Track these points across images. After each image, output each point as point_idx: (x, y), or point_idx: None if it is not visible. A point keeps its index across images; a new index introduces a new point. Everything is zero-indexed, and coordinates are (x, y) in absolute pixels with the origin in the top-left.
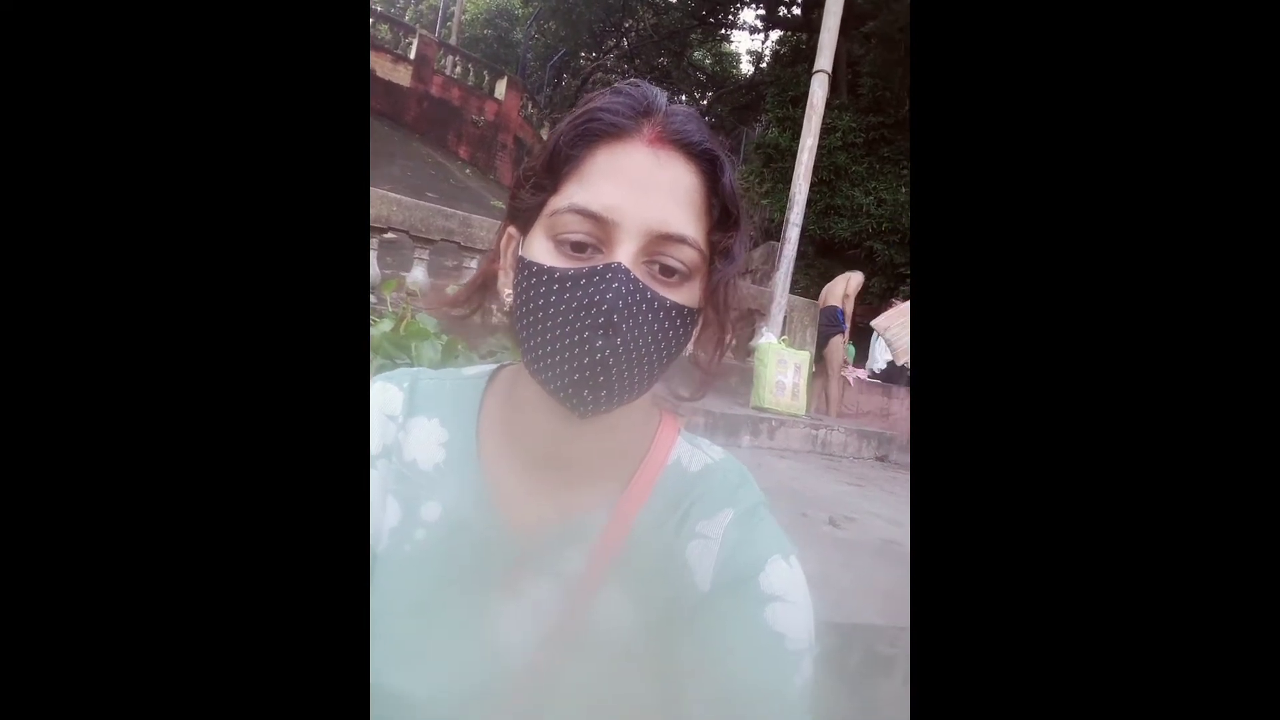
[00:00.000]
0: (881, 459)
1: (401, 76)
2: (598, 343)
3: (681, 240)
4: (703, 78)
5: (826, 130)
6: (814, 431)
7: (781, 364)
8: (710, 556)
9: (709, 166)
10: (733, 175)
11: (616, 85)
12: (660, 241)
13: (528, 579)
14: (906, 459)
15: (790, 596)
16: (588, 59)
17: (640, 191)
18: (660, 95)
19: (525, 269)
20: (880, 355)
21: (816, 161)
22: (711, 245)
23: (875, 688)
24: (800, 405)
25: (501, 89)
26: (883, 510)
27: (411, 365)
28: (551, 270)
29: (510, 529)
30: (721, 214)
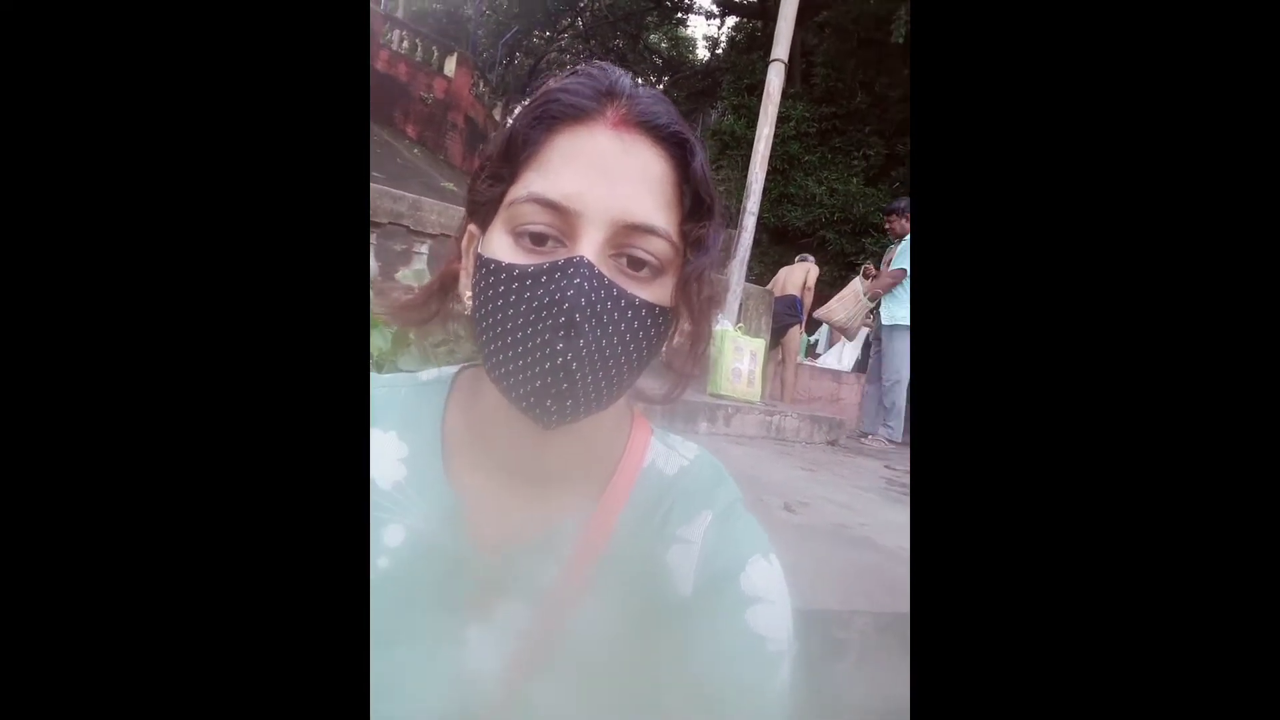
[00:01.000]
0: (832, 443)
1: None
2: (558, 345)
3: (651, 231)
4: (659, 61)
5: (780, 119)
6: (768, 418)
7: (738, 351)
8: (691, 560)
9: (678, 151)
10: (704, 160)
11: (578, 67)
12: (627, 232)
13: (500, 599)
14: (855, 444)
15: (770, 597)
16: (541, 38)
17: (604, 178)
18: (624, 76)
19: (483, 267)
20: (842, 350)
21: (771, 150)
22: (683, 236)
23: (830, 671)
24: (756, 392)
25: (451, 66)
26: (834, 495)
27: None
28: (510, 267)
29: (483, 547)
30: (694, 202)
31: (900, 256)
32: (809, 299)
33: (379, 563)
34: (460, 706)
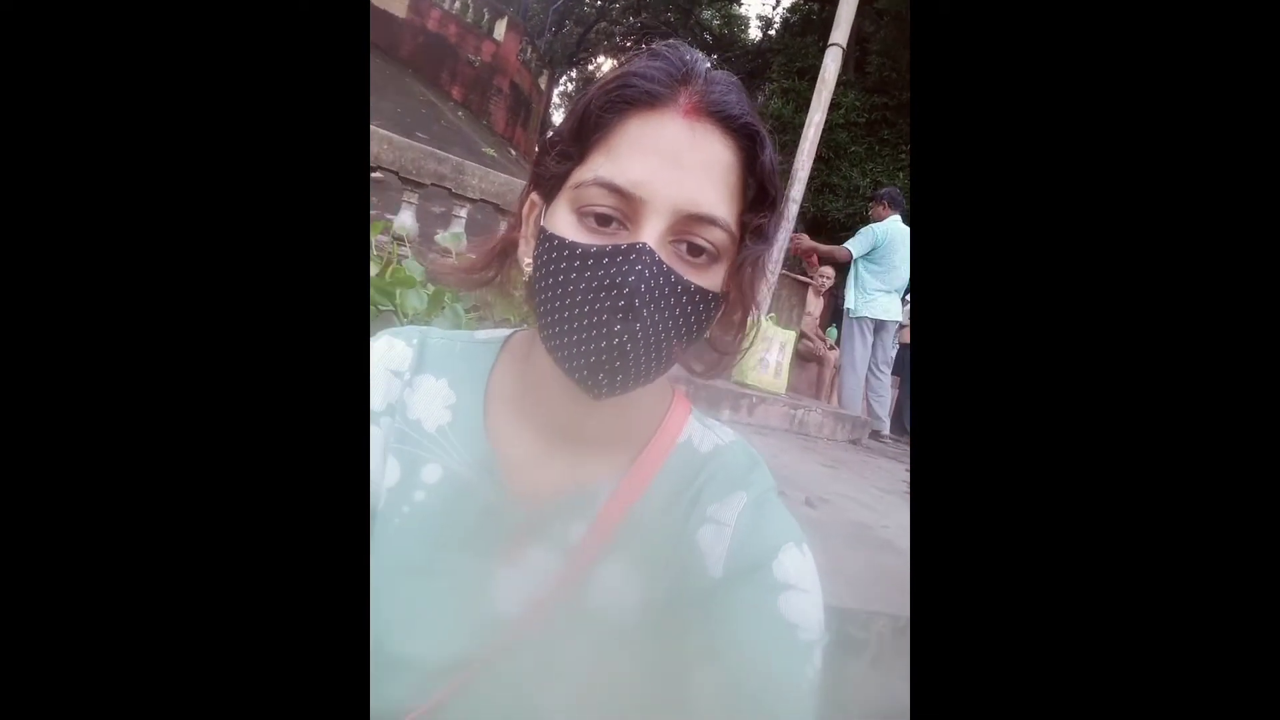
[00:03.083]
0: (854, 442)
1: (397, 7)
2: (616, 326)
3: (711, 221)
4: (709, 39)
5: (830, 107)
6: (793, 411)
7: (767, 341)
8: (723, 542)
9: (747, 142)
10: (773, 152)
11: (654, 47)
12: (689, 221)
13: (527, 548)
14: (878, 444)
15: (803, 585)
16: (592, 7)
17: (671, 167)
18: (700, 60)
19: (546, 241)
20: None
21: (818, 137)
22: (743, 226)
23: (843, 669)
24: (781, 384)
25: (501, 30)
26: (856, 494)
27: (395, 312)
28: (573, 245)
29: (512, 497)
30: (757, 193)
31: (856, 239)
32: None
33: (416, 496)
34: (475, 640)
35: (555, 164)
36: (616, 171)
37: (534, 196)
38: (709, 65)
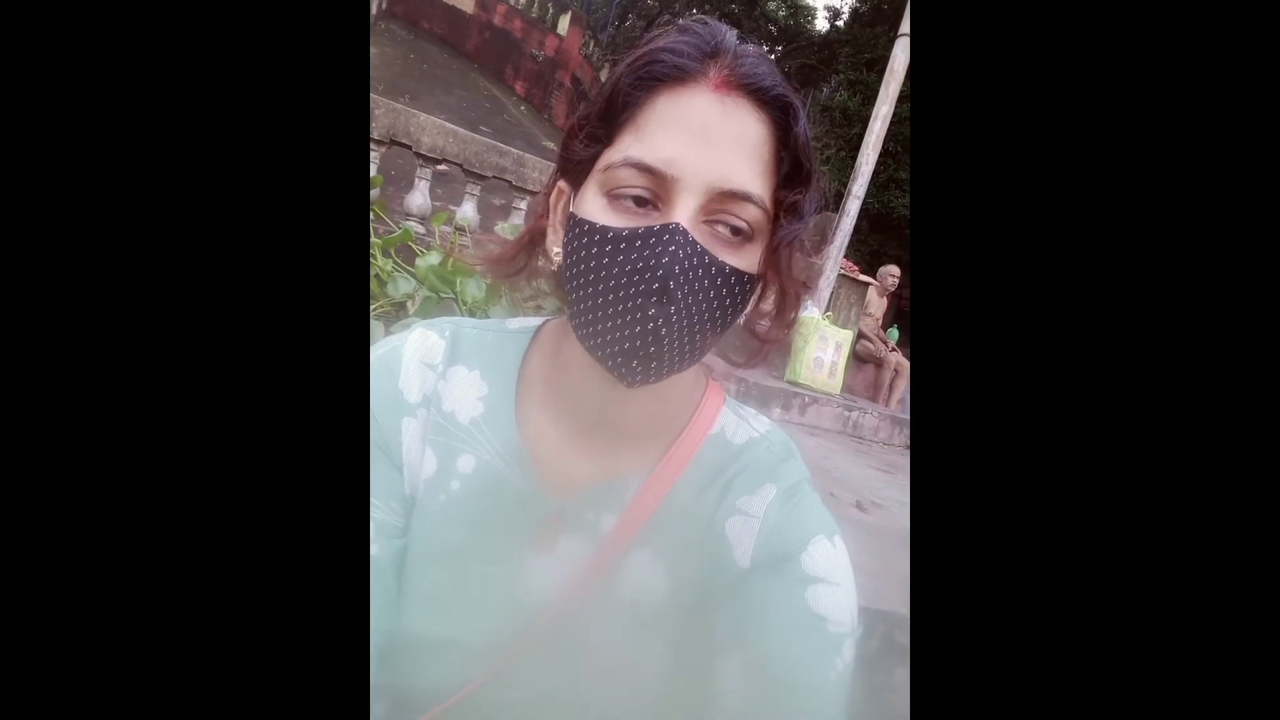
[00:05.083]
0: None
1: (465, 2)
2: (650, 310)
3: (746, 198)
4: (774, 30)
5: (901, 98)
6: (846, 413)
7: (822, 340)
8: (751, 534)
9: (780, 115)
10: (806, 125)
11: (682, 22)
12: (723, 199)
13: (558, 537)
14: None
15: (833, 578)
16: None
17: (703, 144)
18: (729, 34)
19: (576, 227)
20: None
21: (885, 131)
22: (777, 203)
23: (889, 673)
24: (836, 384)
25: (564, 24)
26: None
27: (455, 300)
28: (605, 229)
29: (544, 487)
30: (791, 168)
31: None
32: None
33: (452, 486)
34: (509, 625)
35: (583, 147)
36: (646, 150)
37: (561, 184)
38: (738, 39)
